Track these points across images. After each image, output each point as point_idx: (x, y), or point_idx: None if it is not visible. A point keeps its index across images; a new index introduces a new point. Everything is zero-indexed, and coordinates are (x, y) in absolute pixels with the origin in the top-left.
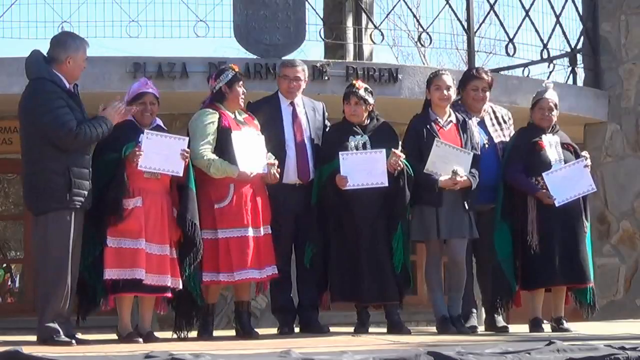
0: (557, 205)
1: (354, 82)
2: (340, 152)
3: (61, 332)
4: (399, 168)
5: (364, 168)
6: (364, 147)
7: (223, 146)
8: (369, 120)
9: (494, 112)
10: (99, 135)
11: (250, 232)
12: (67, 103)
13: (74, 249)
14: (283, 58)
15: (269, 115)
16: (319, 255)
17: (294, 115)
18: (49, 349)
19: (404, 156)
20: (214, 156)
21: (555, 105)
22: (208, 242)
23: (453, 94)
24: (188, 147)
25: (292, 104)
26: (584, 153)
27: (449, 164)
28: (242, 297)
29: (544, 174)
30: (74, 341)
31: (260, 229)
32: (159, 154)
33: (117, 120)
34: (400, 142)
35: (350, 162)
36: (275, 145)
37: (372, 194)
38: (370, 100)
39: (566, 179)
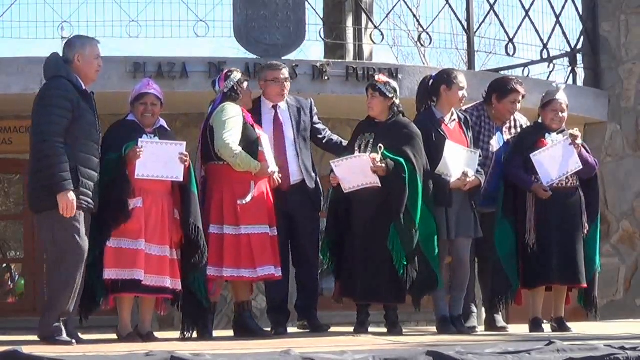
0: (544, 184)
1: (376, 76)
2: (330, 161)
3: (63, 332)
4: (379, 170)
5: (357, 171)
6: (366, 146)
7: (246, 141)
8: (390, 117)
9: (514, 120)
10: (54, 169)
11: (269, 230)
12: (79, 103)
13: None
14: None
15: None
16: (336, 247)
17: (275, 120)
18: (49, 348)
19: (378, 158)
20: (240, 148)
21: (567, 106)
22: (230, 238)
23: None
24: (186, 150)
25: (274, 107)
26: (571, 131)
27: (459, 164)
28: (243, 297)
29: (531, 155)
30: (74, 341)
31: (275, 227)
32: (157, 161)
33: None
34: (413, 142)
35: (343, 168)
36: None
37: (371, 195)
38: (389, 95)
39: (555, 159)
